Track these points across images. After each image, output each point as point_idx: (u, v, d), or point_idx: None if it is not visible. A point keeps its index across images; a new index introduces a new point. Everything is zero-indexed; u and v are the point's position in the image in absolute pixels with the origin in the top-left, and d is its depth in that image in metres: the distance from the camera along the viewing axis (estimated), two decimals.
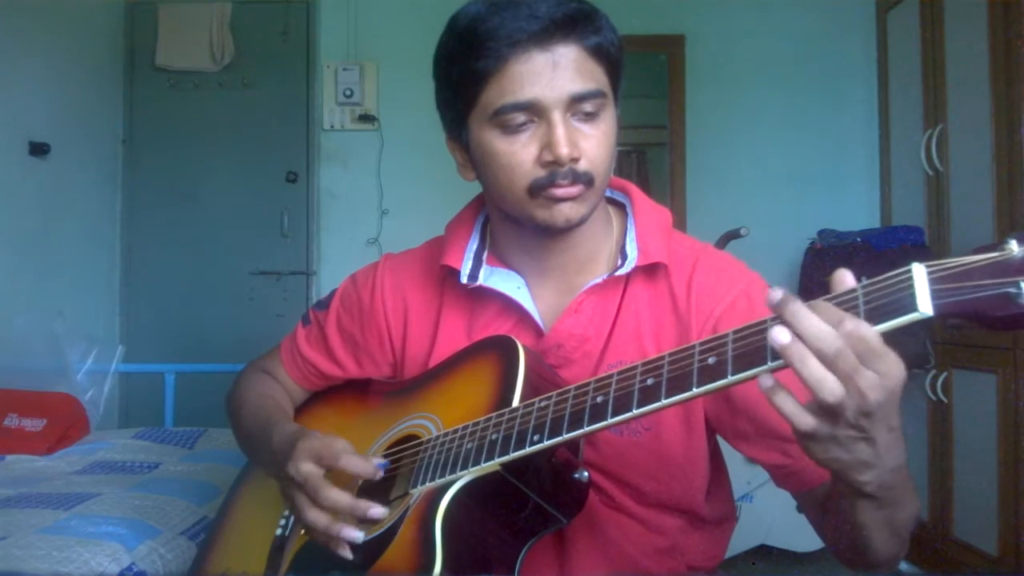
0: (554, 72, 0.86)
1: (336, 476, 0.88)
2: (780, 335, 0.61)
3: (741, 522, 1.15)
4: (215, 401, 1.44)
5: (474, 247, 1.03)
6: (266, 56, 3.63)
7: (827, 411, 0.62)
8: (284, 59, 3.64)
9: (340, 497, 0.85)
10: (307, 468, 0.87)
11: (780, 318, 0.62)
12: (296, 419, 1.13)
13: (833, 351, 0.60)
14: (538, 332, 0.97)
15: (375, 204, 3.58)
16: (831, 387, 0.60)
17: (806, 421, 0.63)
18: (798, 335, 0.61)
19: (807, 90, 3.51)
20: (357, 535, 0.84)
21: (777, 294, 0.62)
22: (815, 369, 0.60)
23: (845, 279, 0.63)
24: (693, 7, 3.56)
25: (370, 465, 0.87)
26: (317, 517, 0.86)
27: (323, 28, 3.62)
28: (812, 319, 0.61)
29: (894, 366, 0.61)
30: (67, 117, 3.19)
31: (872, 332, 0.59)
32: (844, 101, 3.50)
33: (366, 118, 3.58)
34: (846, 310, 0.61)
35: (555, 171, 0.87)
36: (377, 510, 0.85)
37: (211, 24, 3.56)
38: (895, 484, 0.69)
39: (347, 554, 0.85)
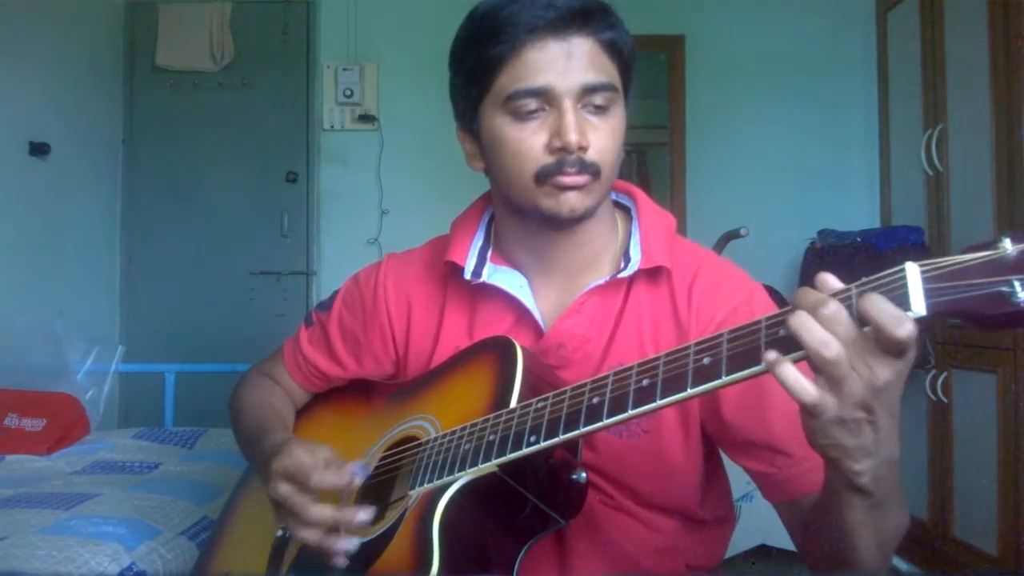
0: (568, 62, 0.88)
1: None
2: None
3: (741, 522, 1.15)
4: (215, 401, 1.44)
5: (479, 245, 1.03)
6: (266, 56, 3.62)
7: (833, 382, 0.61)
8: (284, 59, 3.64)
9: (322, 513, 0.83)
10: (283, 489, 0.85)
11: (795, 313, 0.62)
12: (297, 421, 1.13)
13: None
14: (538, 331, 0.97)
15: (375, 204, 3.58)
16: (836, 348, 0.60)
17: (809, 392, 0.62)
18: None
19: (807, 90, 3.51)
20: (350, 545, 0.83)
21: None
22: (819, 333, 0.60)
23: (828, 282, 0.63)
24: (693, 7, 3.56)
25: (343, 475, 0.84)
26: (308, 534, 0.84)
27: (323, 28, 3.62)
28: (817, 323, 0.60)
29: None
30: (67, 117, 3.19)
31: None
32: (844, 101, 3.49)
33: (366, 118, 3.58)
34: None
35: (563, 158, 0.88)
36: (363, 515, 0.82)
37: (211, 24, 3.56)
38: (888, 479, 0.69)
39: (342, 563, 0.84)
